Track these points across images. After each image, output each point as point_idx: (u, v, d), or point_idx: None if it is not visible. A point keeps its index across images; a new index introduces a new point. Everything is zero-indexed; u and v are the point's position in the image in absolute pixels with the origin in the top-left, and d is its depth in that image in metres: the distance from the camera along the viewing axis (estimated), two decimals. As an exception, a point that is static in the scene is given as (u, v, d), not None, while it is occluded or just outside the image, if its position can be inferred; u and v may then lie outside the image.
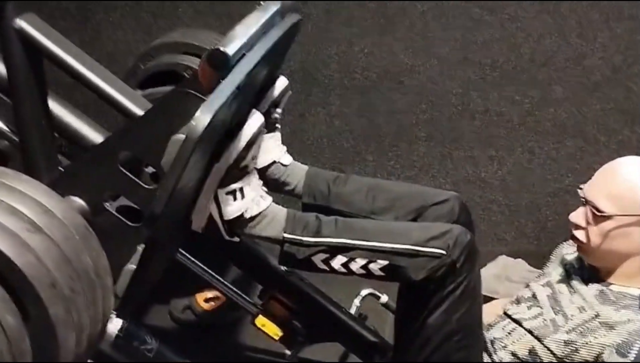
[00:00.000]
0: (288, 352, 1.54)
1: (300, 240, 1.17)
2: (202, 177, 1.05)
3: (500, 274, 2.25)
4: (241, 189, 1.10)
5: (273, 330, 1.53)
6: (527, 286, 1.43)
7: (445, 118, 2.32)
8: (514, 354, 1.31)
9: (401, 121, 2.33)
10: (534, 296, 1.38)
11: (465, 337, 1.23)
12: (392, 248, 1.17)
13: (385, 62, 2.27)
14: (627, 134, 2.25)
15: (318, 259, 1.19)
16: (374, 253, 1.18)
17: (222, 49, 0.90)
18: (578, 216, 1.28)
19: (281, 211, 1.19)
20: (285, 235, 1.17)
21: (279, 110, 1.33)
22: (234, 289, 1.63)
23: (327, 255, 1.18)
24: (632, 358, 1.14)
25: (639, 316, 1.20)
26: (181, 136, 0.89)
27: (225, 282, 1.64)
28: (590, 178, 1.32)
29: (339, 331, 1.59)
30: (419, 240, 1.17)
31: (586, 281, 1.31)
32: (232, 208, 1.11)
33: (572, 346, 1.22)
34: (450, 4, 2.17)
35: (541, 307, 1.33)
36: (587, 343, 1.20)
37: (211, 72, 0.90)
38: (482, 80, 2.26)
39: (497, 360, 1.33)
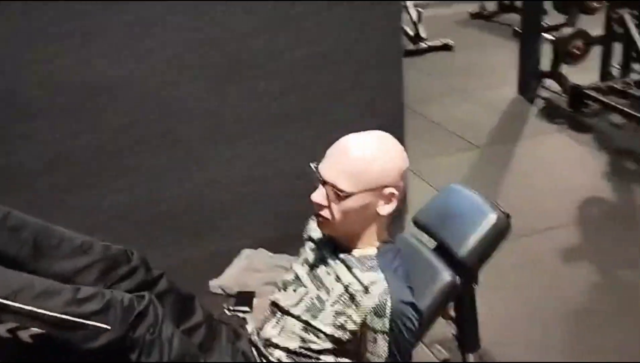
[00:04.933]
0: None
1: None
2: None
3: (246, 267, 2.35)
4: None
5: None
6: (291, 267, 1.49)
7: (166, 126, 2.30)
8: (288, 350, 1.35)
9: (122, 137, 2.23)
10: (297, 277, 1.44)
11: None
12: (50, 315, 1.11)
13: (93, 77, 2.14)
14: (330, 116, 2.50)
15: None
16: (27, 318, 1.10)
17: None
18: (320, 196, 1.33)
19: None
20: None
21: None
22: None
23: None
24: (389, 316, 1.26)
25: (380, 274, 1.32)
26: None
27: None
28: (316, 158, 1.37)
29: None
30: (85, 311, 1.15)
31: (333, 252, 1.41)
32: None
33: (342, 317, 1.31)
34: (151, 12, 2.13)
35: (306, 286, 1.40)
36: (352, 313, 1.30)
37: None
38: (196, 83, 2.28)
39: (274, 360, 1.37)
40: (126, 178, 2.30)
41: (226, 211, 2.49)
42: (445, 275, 1.48)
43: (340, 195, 1.30)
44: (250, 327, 1.48)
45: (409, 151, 1.39)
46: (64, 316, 1.11)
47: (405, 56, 2.87)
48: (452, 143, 3.64)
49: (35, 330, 1.09)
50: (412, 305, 1.29)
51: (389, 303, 1.26)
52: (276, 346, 1.37)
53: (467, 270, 1.52)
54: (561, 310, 2.24)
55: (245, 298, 2.01)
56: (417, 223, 1.65)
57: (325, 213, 1.33)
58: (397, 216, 1.39)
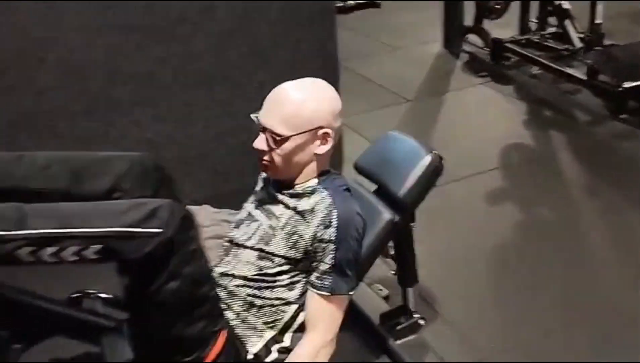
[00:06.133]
0: (6, 364, 1.41)
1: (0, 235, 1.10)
2: None
3: (190, 223, 2.38)
4: None
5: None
6: (242, 208, 1.57)
7: (97, 87, 2.27)
8: (244, 277, 1.43)
9: (53, 98, 2.20)
10: (249, 214, 1.53)
11: (200, 290, 1.33)
12: (106, 231, 1.19)
13: (16, 39, 2.09)
14: (263, 74, 2.53)
15: (24, 253, 1.13)
16: (87, 239, 1.17)
17: None
18: (261, 143, 1.42)
19: None
20: None
21: None
22: None
23: (34, 248, 1.13)
24: (335, 225, 1.37)
25: (324, 192, 1.43)
26: None
27: None
28: (251, 112, 1.45)
29: (56, 323, 1.50)
30: (133, 221, 1.21)
31: (279, 188, 1.50)
32: None
33: (294, 237, 1.40)
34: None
35: (257, 220, 1.49)
36: (303, 230, 1.39)
37: None
38: (126, 43, 2.27)
39: (232, 289, 1.44)
40: (59, 141, 2.26)
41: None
42: (386, 214, 1.58)
43: (278, 140, 1.39)
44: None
45: (343, 106, 1.48)
46: (118, 228, 1.19)
47: (335, 13, 2.92)
48: (384, 97, 3.75)
49: (97, 246, 1.18)
50: (357, 214, 1.41)
51: (334, 214, 1.38)
52: (232, 276, 1.44)
53: (405, 209, 1.63)
54: (490, 247, 2.41)
55: (191, 252, 2.05)
56: (357, 168, 1.74)
57: (267, 157, 1.42)
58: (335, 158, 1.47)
